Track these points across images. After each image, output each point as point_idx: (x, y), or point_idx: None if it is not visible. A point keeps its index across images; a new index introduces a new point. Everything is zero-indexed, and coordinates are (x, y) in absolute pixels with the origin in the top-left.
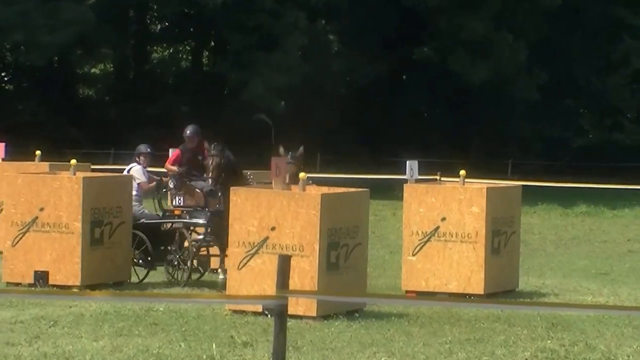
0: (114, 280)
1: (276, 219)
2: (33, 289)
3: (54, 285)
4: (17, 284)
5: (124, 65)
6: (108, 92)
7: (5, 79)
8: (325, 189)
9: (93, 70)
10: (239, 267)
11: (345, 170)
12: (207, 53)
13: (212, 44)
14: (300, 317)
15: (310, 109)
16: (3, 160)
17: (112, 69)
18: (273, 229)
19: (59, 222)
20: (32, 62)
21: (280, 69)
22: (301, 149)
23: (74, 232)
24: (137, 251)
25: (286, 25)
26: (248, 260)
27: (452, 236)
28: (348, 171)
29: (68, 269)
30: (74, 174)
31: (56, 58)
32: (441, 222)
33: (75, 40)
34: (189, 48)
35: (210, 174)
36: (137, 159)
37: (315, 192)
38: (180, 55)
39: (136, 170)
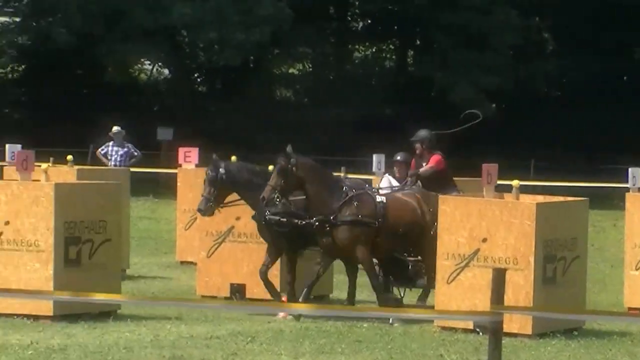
0: (314, 294)
1: (488, 229)
2: (230, 301)
3: (251, 300)
4: (213, 298)
5: (324, 65)
6: (306, 94)
7: (198, 80)
8: (540, 198)
9: (291, 70)
10: (448, 281)
11: (560, 177)
12: (412, 52)
13: (417, 42)
14: (515, 335)
15: (522, 112)
16: (197, 166)
17: (310, 69)
18: (484, 240)
19: (256, 232)
20: (226, 62)
21: (491, 69)
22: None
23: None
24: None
25: (496, 23)
26: (458, 274)
27: None
28: (563, 179)
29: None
30: None
31: (251, 57)
32: None
33: (271, 38)
34: (392, 47)
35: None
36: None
37: (530, 200)
38: (383, 55)
39: (386, 182)
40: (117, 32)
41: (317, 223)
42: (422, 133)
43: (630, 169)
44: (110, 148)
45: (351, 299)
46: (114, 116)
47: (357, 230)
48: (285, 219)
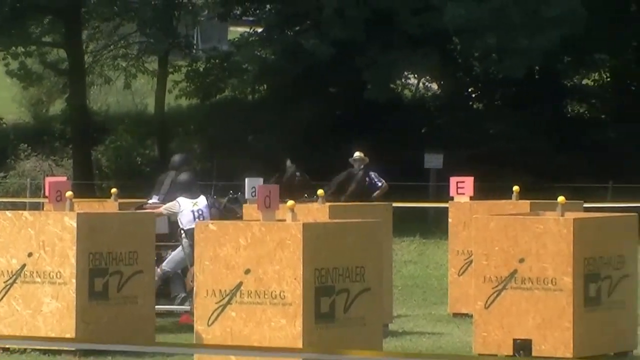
0: (615, 350)
1: None
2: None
3: (537, 357)
4: (492, 356)
5: (624, 74)
6: (604, 110)
7: (473, 95)
8: None
9: (585, 81)
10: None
11: None
12: None
13: None
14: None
15: None
16: (471, 199)
17: (608, 79)
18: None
19: (544, 277)
20: (507, 73)
21: None
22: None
23: (562, 290)
24: None
25: None
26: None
27: None
28: None
29: (556, 337)
30: (562, 215)
31: (537, 68)
32: None
33: (562, 44)
34: None
35: None
36: None
37: None
38: None
39: None
40: (378, 40)
41: None
42: None
43: None
44: None
45: None
46: (371, 140)
47: None
48: None
